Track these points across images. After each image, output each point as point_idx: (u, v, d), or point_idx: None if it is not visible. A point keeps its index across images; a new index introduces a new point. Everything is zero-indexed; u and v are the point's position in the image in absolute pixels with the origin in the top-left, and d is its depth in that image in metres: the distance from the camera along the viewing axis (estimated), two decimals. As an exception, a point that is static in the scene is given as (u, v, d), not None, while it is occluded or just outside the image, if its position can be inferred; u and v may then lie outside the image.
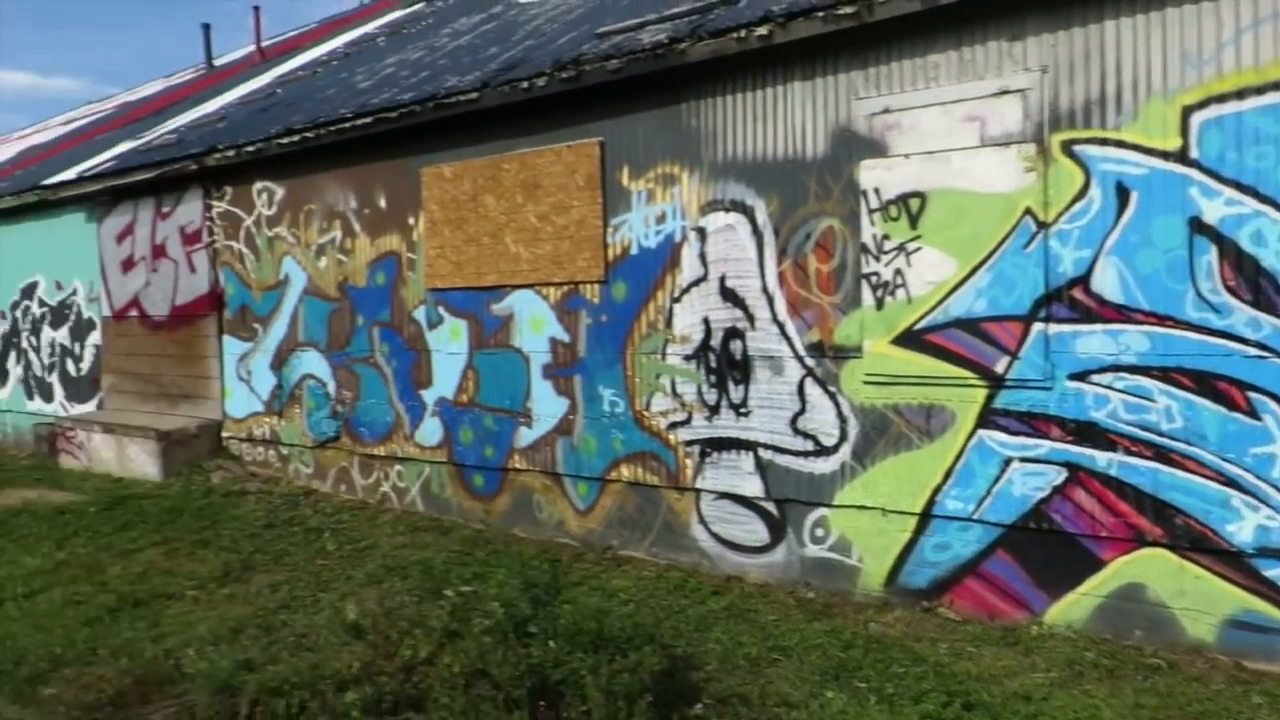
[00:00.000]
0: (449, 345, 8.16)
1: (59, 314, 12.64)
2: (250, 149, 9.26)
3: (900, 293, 5.68)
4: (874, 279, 5.79)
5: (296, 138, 8.78)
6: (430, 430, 8.40)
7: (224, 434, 10.47)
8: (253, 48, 20.00)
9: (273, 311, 9.73)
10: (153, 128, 13.66)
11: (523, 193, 7.49)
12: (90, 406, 12.21)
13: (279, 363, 9.73)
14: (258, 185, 9.72)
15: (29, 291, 13.12)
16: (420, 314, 8.37)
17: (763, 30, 5.77)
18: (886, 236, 5.71)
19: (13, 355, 13.58)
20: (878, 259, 5.76)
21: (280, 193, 9.52)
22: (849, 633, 5.54)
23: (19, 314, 13.36)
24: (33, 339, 13.15)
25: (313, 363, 9.39)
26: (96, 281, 11.90)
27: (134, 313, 11.37)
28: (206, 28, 20.14)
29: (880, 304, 5.78)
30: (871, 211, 5.76)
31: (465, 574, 6.76)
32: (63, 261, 12.49)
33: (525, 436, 7.69)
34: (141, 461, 10.26)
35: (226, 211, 10.11)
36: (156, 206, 10.89)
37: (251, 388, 10.07)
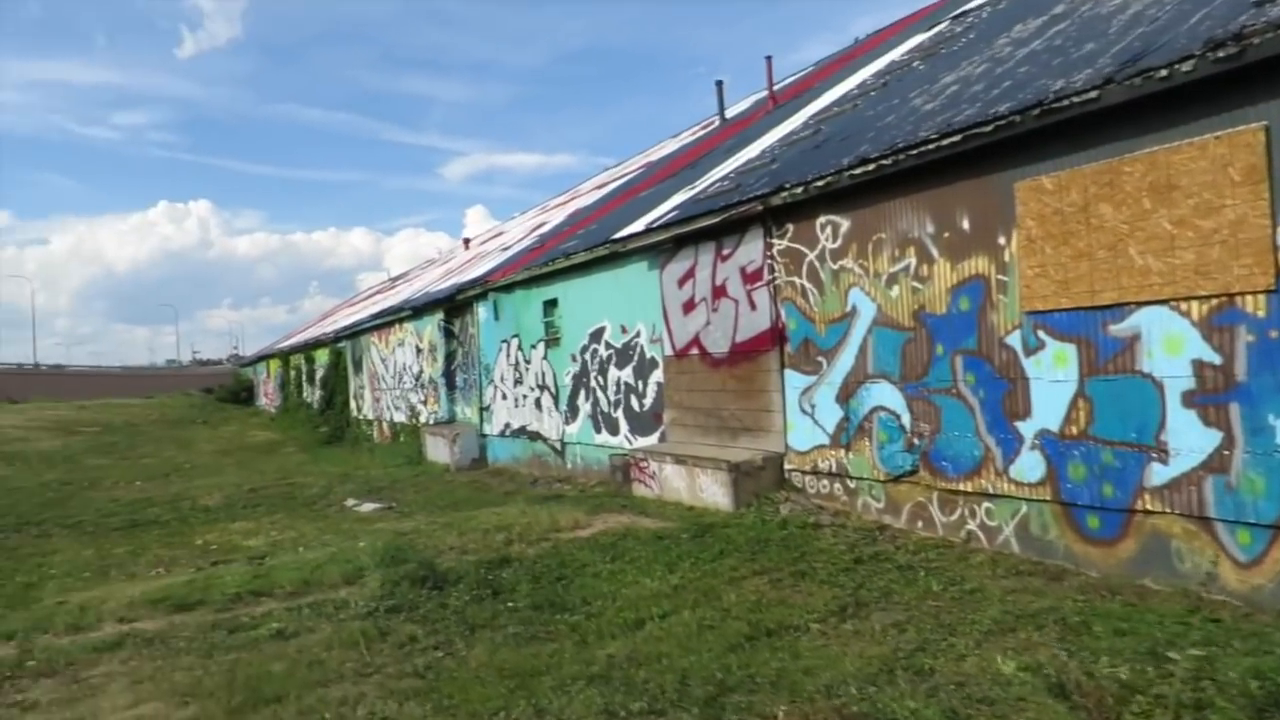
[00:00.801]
0: (1052, 372, 7.45)
1: (624, 355, 13.90)
2: (819, 184, 9.36)
3: None
4: None
5: (871, 166, 8.69)
6: (1028, 465, 7.72)
7: (786, 466, 10.65)
8: (760, 95, 20.98)
9: (838, 344, 9.71)
10: (693, 180, 14.64)
11: (1151, 196, 6.61)
12: (653, 439, 13.21)
13: (846, 395, 9.67)
14: (821, 219, 9.80)
15: (597, 336, 14.61)
16: (1014, 339, 7.77)
17: None
18: None
19: (582, 394, 15.21)
20: None
21: (845, 225, 9.51)
22: None
23: (588, 357, 14.94)
24: (600, 378, 14.60)
25: (884, 394, 9.19)
26: (658, 323, 12.88)
27: (695, 351, 12.09)
28: (719, 84, 21.49)
29: None
30: None
31: (1110, 629, 6.02)
32: (627, 307, 13.73)
33: (1158, 474, 6.73)
34: (712, 492, 10.76)
35: (787, 248, 10.35)
36: (717, 249, 11.51)
37: (815, 421, 10.13)
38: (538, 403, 16.87)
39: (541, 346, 16.58)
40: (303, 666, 6.53)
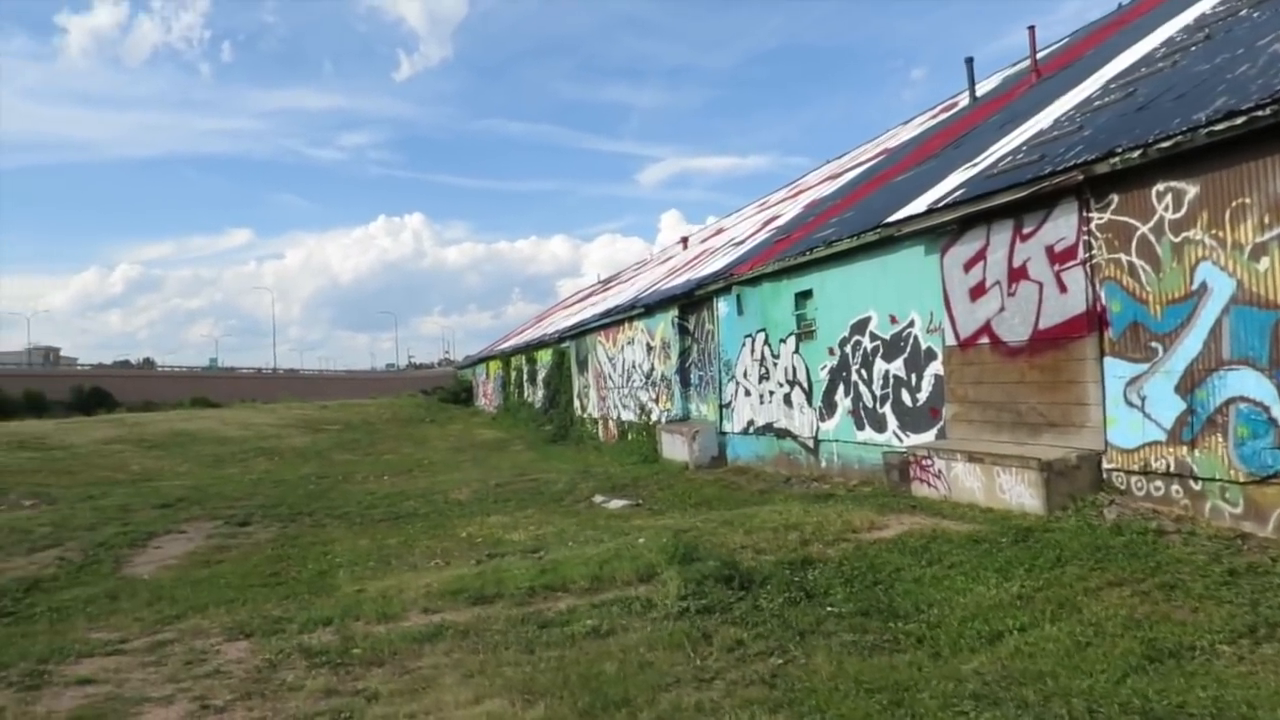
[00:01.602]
0: None
1: (893, 346, 13.05)
2: (1164, 144, 8.25)
3: None
4: None
5: (1239, 120, 7.53)
6: None
7: (1105, 465, 9.54)
8: (1012, 69, 19.59)
9: (1180, 327, 8.55)
10: (970, 158, 13.62)
11: None
12: (928, 436, 12.30)
13: (1190, 385, 8.50)
14: (1159, 187, 8.67)
15: (860, 327, 13.82)
16: None
17: None
18: None
19: (841, 388, 14.45)
20: None
21: (1192, 191, 8.35)
22: None
23: (849, 350, 14.17)
24: (863, 372, 13.80)
25: (1246, 383, 7.98)
26: (937, 311, 11.97)
27: (984, 340, 11.13)
28: (969, 61, 20.17)
29: None
30: None
31: None
32: (897, 295, 12.88)
33: None
34: (1017, 493, 9.79)
35: (1110, 222, 9.25)
36: (1015, 228, 10.51)
37: (1146, 414, 8.99)
38: (786, 399, 16.24)
39: (792, 340, 15.93)
40: (633, 667, 6.17)
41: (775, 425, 16.69)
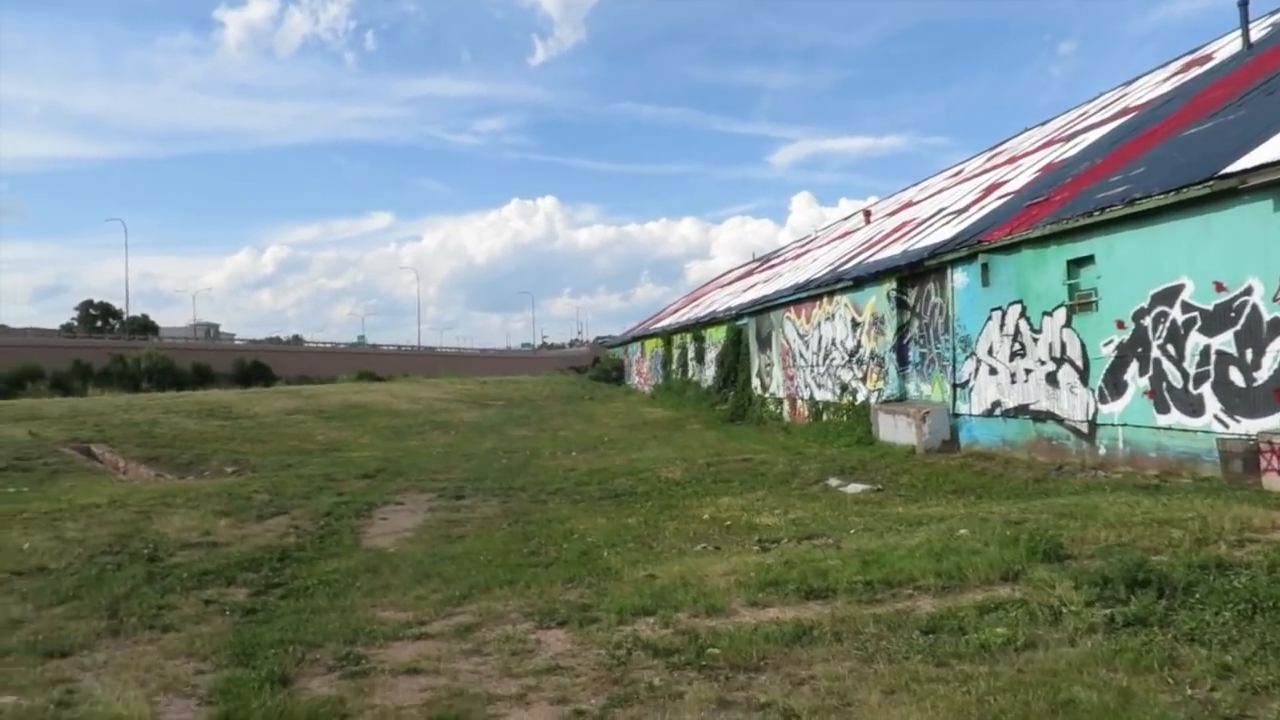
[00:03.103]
0: None
1: (1216, 318, 11.30)
2: None
3: None
4: None
5: None
6: None
7: None
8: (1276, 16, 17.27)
9: None
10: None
11: None
12: (1269, 421, 10.55)
13: None
14: None
15: (1166, 297, 12.08)
16: None
17: None
18: None
19: (1134, 366, 12.75)
20: None
21: None
22: None
23: (1148, 322, 12.44)
24: (1170, 348, 12.07)
25: None
26: (1293, 276, 10.22)
27: (1369, 308, 9.35)
28: (1244, 5, 17.88)
29: None
30: None
31: None
32: (1225, 259, 11.13)
33: None
34: None
35: None
36: None
37: None
38: (1050, 378, 14.58)
39: (1061, 313, 14.25)
40: (1113, 695, 4.93)
41: (1032, 407, 15.05)
